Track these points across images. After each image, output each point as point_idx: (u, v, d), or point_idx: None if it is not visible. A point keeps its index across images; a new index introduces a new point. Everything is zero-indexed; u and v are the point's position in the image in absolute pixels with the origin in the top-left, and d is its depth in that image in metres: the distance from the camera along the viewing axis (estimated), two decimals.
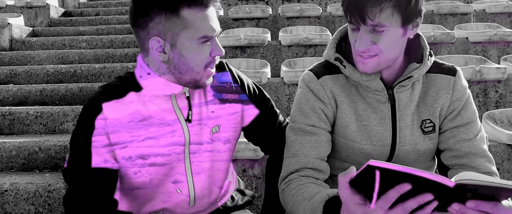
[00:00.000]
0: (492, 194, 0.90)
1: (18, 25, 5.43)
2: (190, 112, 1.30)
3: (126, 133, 1.25)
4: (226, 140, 1.37)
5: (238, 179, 1.61)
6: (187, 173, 1.32)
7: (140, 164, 1.27)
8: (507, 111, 2.99)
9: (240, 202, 1.50)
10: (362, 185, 0.92)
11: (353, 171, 0.92)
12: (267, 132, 1.45)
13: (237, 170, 2.64)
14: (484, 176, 0.87)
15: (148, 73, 1.26)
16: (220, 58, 1.31)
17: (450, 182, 0.84)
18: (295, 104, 1.37)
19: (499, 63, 4.08)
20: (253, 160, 2.64)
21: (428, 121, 1.31)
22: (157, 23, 1.19)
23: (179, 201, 1.34)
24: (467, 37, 4.50)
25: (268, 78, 3.73)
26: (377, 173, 0.86)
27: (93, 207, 1.24)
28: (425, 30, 4.68)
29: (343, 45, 1.35)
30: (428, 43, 4.87)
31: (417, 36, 1.32)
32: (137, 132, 1.26)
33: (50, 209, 2.51)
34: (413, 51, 1.30)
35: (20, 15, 5.82)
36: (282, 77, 3.75)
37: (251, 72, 3.70)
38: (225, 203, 1.45)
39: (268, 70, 3.81)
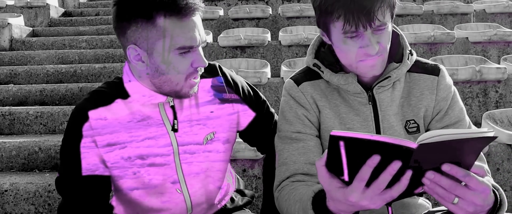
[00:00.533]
0: (458, 161, 0.89)
1: (18, 25, 5.43)
2: (175, 121, 1.28)
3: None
4: (221, 142, 1.35)
5: (238, 179, 1.60)
6: (179, 177, 1.31)
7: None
8: (507, 111, 2.99)
9: (240, 203, 1.49)
10: (335, 164, 0.90)
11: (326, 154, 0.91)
12: (263, 133, 1.45)
13: (237, 170, 2.64)
14: (446, 131, 0.85)
15: (129, 81, 1.25)
16: (207, 65, 1.25)
17: (414, 144, 0.84)
18: (279, 114, 1.37)
19: (499, 63, 4.07)
20: (253, 160, 2.64)
21: (412, 122, 1.30)
22: (134, 31, 1.16)
23: (178, 208, 1.34)
24: (467, 37, 4.50)
25: (268, 78, 3.73)
26: (342, 144, 0.85)
27: None
28: (425, 30, 4.68)
29: (322, 51, 1.34)
30: (428, 43, 4.81)
31: (397, 35, 1.31)
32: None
33: (50, 209, 2.51)
34: (393, 51, 1.29)
35: (20, 15, 5.82)
36: (282, 77, 3.75)
37: (251, 72, 3.70)
38: (225, 205, 1.45)
39: (268, 70, 3.81)
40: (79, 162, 1.22)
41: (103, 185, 1.26)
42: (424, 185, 0.92)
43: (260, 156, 2.56)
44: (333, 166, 0.91)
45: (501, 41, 4.45)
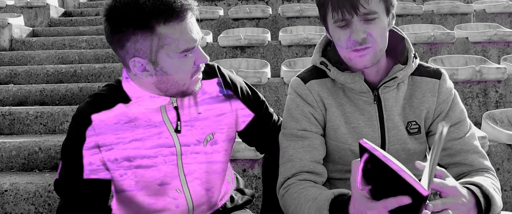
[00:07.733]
0: None
1: (18, 25, 5.42)
2: (179, 122, 1.29)
3: (112, 135, 1.24)
4: (221, 142, 1.36)
5: (237, 178, 1.60)
6: (181, 178, 1.31)
7: (126, 166, 1.27)
8: (507, 111, 2.99)
9: (240, 202, 1.49)
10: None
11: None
12: (262, 133, 1.45)
13: (237, 170, 2.64)
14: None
15: (127, 82, 1.25)
16: (206, 66, 1.27)
17: (426, 191, 0.86)
18: (285, 111, 1.37)
19: (499, 63, 4.07)
20: (253, 160, 2.64)
21: (414, 123, 1.33)
22: (134, 42, 1.15)
23: (179, 209, 1.33)
24: (467, 37, 4.50)
25: (268, 78, 3.73)
26: (365, 155, 0.89)
27: None
28: (425, 30, 4.68)
29: (328, 49, 1.37)
30: (428, 43, 4.81)
31: (402, 38, 1.34)
32: (123, 133, 1.25)
33: (50, 209, 2.51)
34: (398, 53, 1.33)
35: (20, 15, 5.81)
36: (282, 77, 3.75)
37: (251, 72, 3.70)
38: (225, 203, 1.45)
39: (268, 70, 3.81)
40: (81, 165, 1.23)
41: (103, 188, 1.27)
42: None
43: (260, 156, 2.56)
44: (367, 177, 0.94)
45: (501, 41, 4.45)
